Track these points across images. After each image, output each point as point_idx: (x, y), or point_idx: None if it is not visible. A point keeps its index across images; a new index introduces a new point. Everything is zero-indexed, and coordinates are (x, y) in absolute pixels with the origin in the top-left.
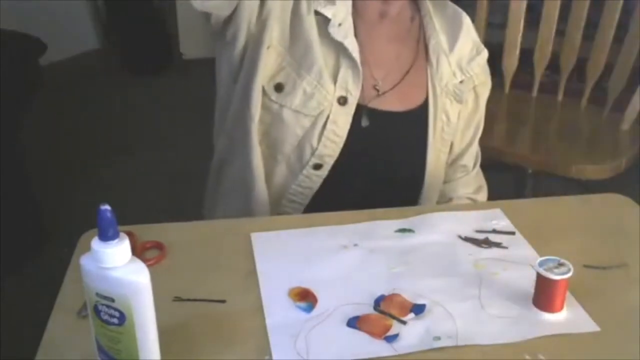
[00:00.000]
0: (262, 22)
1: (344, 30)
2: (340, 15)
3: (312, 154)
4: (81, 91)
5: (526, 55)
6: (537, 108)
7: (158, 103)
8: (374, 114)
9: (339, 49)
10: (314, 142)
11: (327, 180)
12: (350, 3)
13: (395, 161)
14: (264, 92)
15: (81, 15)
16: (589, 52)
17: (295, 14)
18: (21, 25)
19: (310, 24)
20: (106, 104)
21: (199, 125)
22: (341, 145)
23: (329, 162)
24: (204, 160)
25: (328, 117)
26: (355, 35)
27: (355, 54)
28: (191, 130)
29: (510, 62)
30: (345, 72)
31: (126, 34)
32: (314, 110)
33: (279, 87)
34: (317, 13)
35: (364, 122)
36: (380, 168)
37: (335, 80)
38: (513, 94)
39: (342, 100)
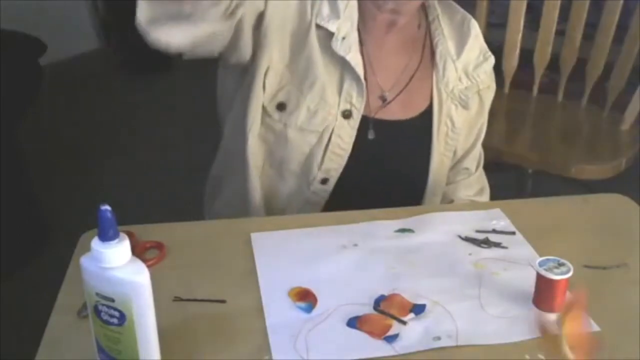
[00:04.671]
0: (259, 45)
1: (347, 45)
2: (344, 29)
3: (319, 168)
4: (81, 91)
5: (526, 55)
6: (537, 108)
7: (158, 103)
8: (379, 125)
9: (343, 62)
10: (320, 157)
11: (334, 192)
12: (356, 16)
13: (400, 168)
14: (266, 112)
15: (81, 15)
16: (589, 52)
17: (296, 31)
18: (21, 25)
19: (312, 38)
20: (106, 104)
21: (199, 126)
22: (346, 158)
23: (334, 176)
24: (203, 160)
25: (333, 130)
26: (363, 46)
27: (358, 69)
28: (191, 131)
29: (510, 62)
30: (349, 86)
31: (126, 34)
32: (319, 126)
33: (281, 106)
34: (319, 27)
35: (370, 135)
36: (385, 176)
37: (339, 94)
38: (513, 94)
39: (347, 114)
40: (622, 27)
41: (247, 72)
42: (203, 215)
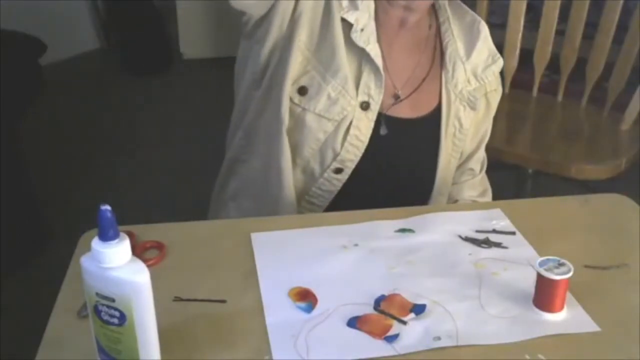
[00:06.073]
0: (294, 23)
1: (366, 36)
2: (363, 20)
3: (334, 158)
4: (81, 91)
5: (526, 55)
6: (537, 108)
7: (158, 103)
8: (391, 121)
9: (362, 54)
10: (337, 147)
11: (345, 184)
12: (372, 9)
13: (409, 167)
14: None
15: (81, 15)
16: (589, 52)
17: (325, 18)
18: (21, 25)
19: (338, 28)
20: (106, 104)
21: (199, 125)
22: (363, 150)
23: (349, 167)
24: (204, 160)
25: (351, 122)
26: (377, 42)
27: (378, 60)
28: (191, 130)
29: (510, 62)
30: (367, 78)
31: (126, 34)
32: (337, 115)
33: (302, 91)
34: (342, 18)
35: (383, 131)
36: (394, 173)
37: (357, 86)
38: (513, 94)
39: (365, 106)
40: (622, 27)
41: (274, 52)
42: (207, 210)
